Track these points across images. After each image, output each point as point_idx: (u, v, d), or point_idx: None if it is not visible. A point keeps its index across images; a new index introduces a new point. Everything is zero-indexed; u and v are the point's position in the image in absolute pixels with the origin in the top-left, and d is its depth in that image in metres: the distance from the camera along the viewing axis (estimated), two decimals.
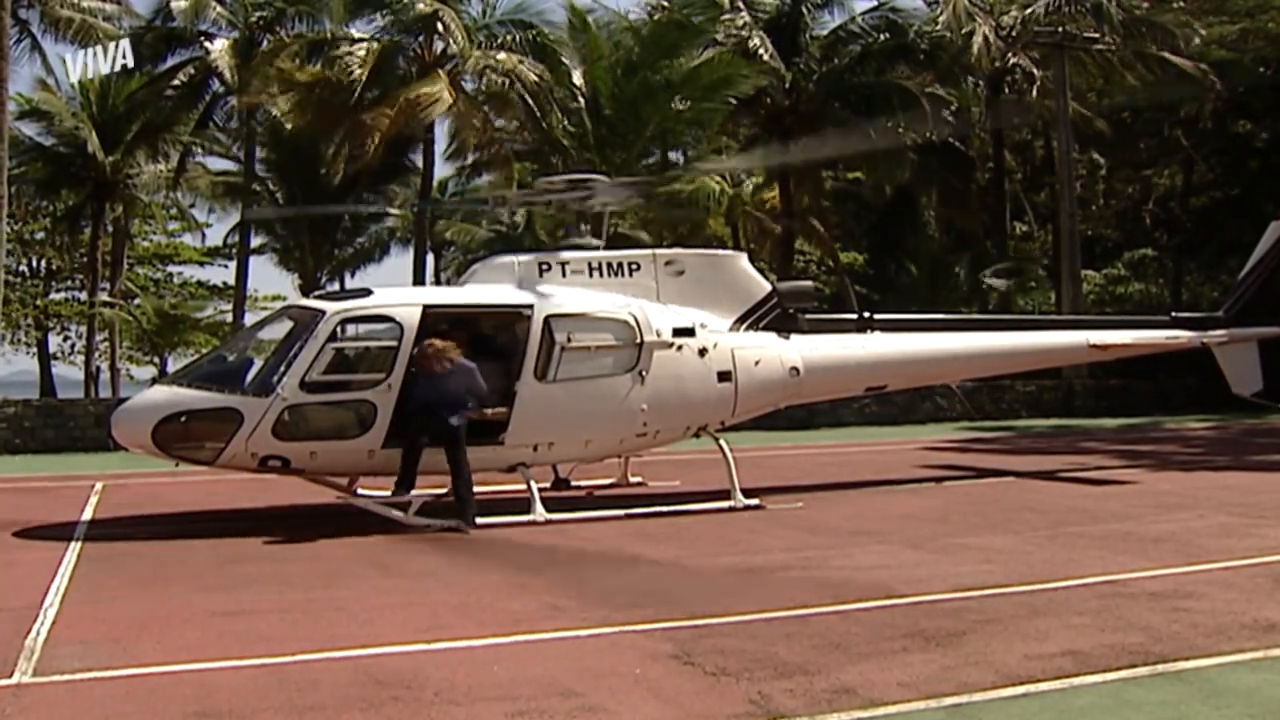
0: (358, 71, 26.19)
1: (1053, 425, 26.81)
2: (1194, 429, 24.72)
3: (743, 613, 7.00)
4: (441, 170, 35.52)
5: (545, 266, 12.02)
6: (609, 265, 12.22)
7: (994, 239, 36.42)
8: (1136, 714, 5.06)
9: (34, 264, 43.60)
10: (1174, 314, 17.44)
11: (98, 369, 35.98)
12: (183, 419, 10.46)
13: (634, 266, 12.31)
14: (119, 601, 7.66)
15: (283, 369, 10.57)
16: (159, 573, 8.68)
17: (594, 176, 13.16)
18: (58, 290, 44.05)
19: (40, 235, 40.98)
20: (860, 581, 8.00)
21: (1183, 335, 16.11)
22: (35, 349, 41.88)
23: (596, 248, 12.59)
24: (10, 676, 5.76)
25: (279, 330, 11.50)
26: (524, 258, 12.39)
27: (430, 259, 37.83)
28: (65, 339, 43.71)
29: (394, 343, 10.84)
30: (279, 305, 17.40)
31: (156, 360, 38.13)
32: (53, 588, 7.99)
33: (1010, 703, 5.23)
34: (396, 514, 10.77)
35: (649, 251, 12.78)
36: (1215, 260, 36.55)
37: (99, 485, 14.60)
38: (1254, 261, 16.44)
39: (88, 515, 11.98)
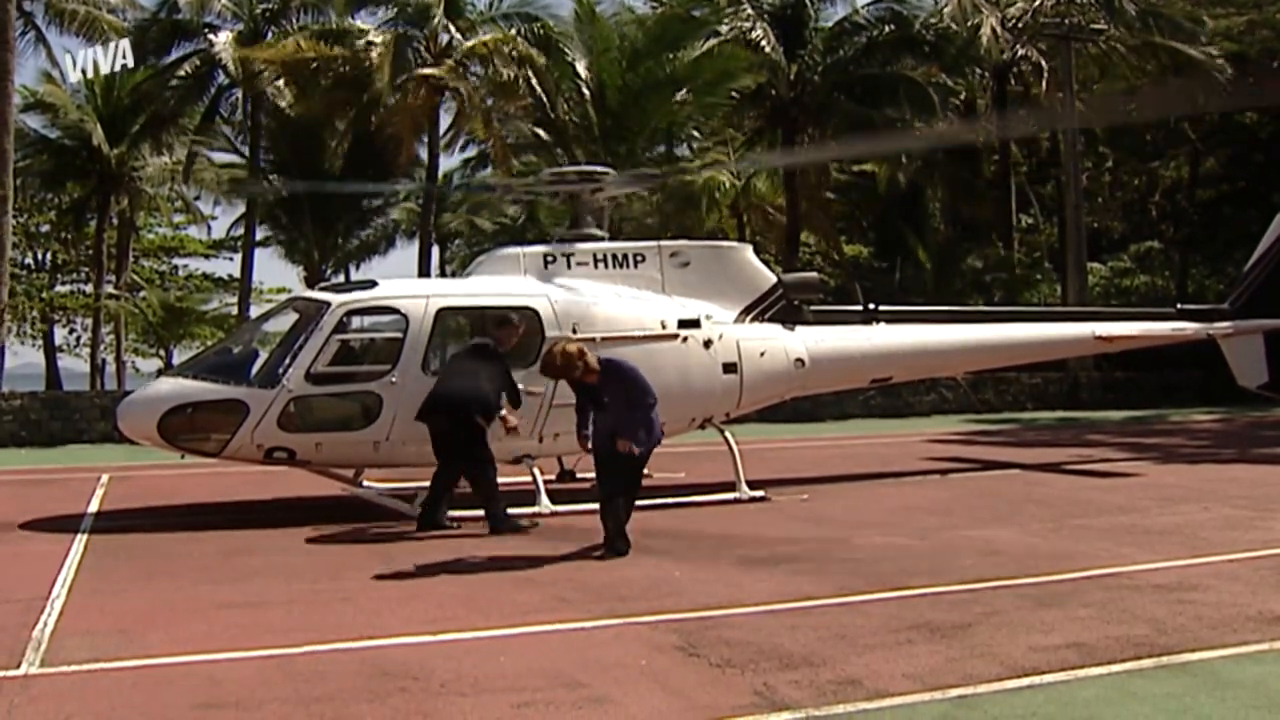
0: (365, 60, 26.18)
1: (1058, 417, 26.80)
2: (1199, 422, 24.68)
3: (748, 604, 7.01)
4: (446, 163, 35.57)
5: (550, 258, 12.02)
6: (614, 256, 12.20)
7: (999, 231, 36.36)
8: (1141, 706, 5.06)
9: (39, 257, 43.71)
10: (1180, 306, 17.40)
11: (103, 361, 36.10)
12: (189, 411, 10.46)
13: (639, 258, 12.30)
14: (126, 593, 7.68)
15: (288, 361, 10.58)
16: (165, 564, 8.69)
17: (603, 169, 13.14)
18: (63, 283, 44.16)
19: (46, 228, 41.05)
20: (865, 573, 8.01)
21: (1188, 327, 16.08)
22: (41, 342, 41.97)
23: (601, 239, 12.60)
24: (18, 667, 5.77)
25: (284, 322, 11.51)
26: (529, 249, 12.39)
27: (435, 251, 37.89)
28: (71, 332, 43.82)
29: (399, 334, 10.85)
30: (284, 298, 17.39)
31: (162, 353, 38.21)
32: (59, 579, 8.00)
33: (1015, 694, 5.23)
34: (402, 506, 10.80)
35: (654, 243, 12.74)
36: (1221, 253, 36.44)
37: (105, 477, 14.64)
38: (1260, 253, 16.38)
39: (94, 507, 12.00)
